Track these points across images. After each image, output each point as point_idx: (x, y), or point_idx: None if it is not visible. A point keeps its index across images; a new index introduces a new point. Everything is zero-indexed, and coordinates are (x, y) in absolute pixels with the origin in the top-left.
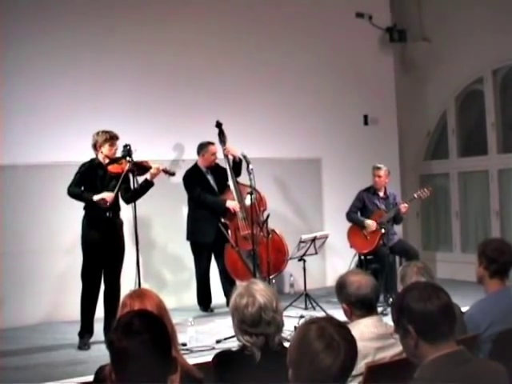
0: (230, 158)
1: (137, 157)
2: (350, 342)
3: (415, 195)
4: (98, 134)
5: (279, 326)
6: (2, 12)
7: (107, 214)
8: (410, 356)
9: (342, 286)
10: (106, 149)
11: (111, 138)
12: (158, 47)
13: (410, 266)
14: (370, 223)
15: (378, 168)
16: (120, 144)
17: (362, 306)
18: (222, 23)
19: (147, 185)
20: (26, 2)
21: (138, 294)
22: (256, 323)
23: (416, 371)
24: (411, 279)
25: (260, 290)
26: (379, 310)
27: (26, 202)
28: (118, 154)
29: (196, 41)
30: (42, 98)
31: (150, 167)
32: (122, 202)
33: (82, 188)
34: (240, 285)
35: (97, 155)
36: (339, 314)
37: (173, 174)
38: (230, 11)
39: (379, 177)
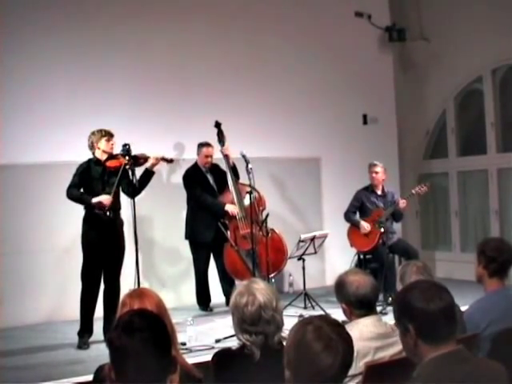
0: (230, 162)
1: (135, 150)
2: (347, 339)
3: (413, 191)
4: (93, 133)
5: (279, 326)
6: (2, 12)
7: (107, 213)
8: (409, 354)
9: (341, 286)
10: (103, 144)
11: (106, 134)
12: (157, 47)
13: (410, 265)
14: (365, 226)
15: (374, 165)
16: (119, 143)
17: (362, 306)
18: (221, 23)
19: (148, 174)
20: (25, 2)
21: (138, 293)
22: (256, 322)
23: (415, 370)
24: (410, 278)
25: (260, 288)
26: (378, 309)
27: (26, 202)
28: (117, 152)
29: (196, 41)
30: (41, 98)
31: (149, 157)
32: (121, 202)
33: (82, 189)
34: (240, 283)
35: (94, 154)
36: (338, 314)
37: (171, 161)
38: (230, 11)
39: (376, 173)
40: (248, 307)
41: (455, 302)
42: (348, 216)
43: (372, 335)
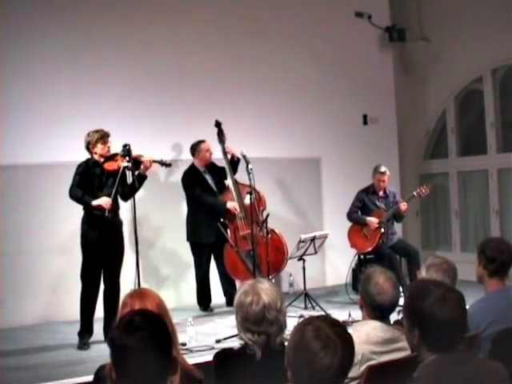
0: (229, 156)
1: (134, 151)
2: (347, 339)
3: (414, 193)
4: (88, 134)
5: (281, 327)
6: (2, 12)
7: (106, 213)
8: (412, 348)
9: (366, 281)
10: (99, 148)
11: (102, 136)
12: (157, 47)
13: (444, 260)
14: (373, 219)
15: (383, 173)
16: (119, 144)
17: (373, 311)
18: (220, 23)
19: (140, 179)
20: (25, 2)
21: (139, 293)
22: (259, 322)
23: (416, 371)
24: (437, 273)
25: (265, 288)
26: None
27: (26, 202)
28: (116, 152)
29: (195, 41)
30: (41, 98)
31: (142, 161)
32: (121, 203)
33: (82, 190)
34: (245, 283)
35: (92, 155)
36: (338, 314)
37: (169, 165)
38: (229, 11)
39: (383, 181)
40: (252, 306)
41: (466, 312)
42: (351, 216)
43: (378, 339)
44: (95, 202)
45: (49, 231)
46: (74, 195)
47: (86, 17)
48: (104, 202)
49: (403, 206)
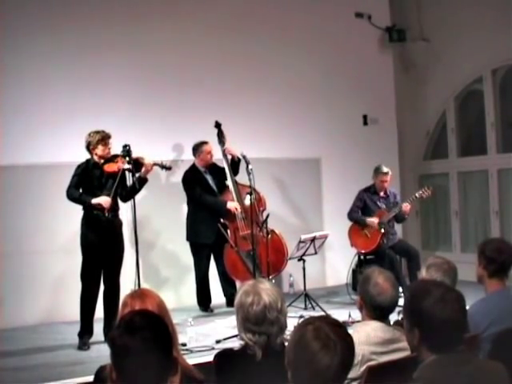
0: (229, 157)
1: (134, 151)
2: (346, 340)
3: (417, 195)
4: (90, 135)
5: (282, 327)
6: (2, 12)
7: (106, 214)
8: (412, 349)
9: (365, 282)
10: (99, 150)
11: (103, 138)
12: (157, 47)
13: (444, 261)
14: (373, 219)
15: (385, 173)
16: (119, 144)
17: (373, 311)
18: (221, 23)
19: (141, 181)
20: (25, 2)
21: (139, 293)
22: (260, 322)
23: (415, 371)
24: (437, 273)
25: (266, 289)
26: None
27: (26, 203)
28: (116, 152)
29: (195, 41)
30: (41, 99)
31: (143, 164)
32: (120, 202)
33: (81, 190)
34: (246, 283)
35: (92, 156)
36: (339, 314)
37: (169, 169)
38: (230, 11)
39: (385, 182)
40: (253, 306)
41: (466, 312)
42: (352, 215)
43: (378, 340)
44: (95, 201)
45: (49, 231)
46: (71, 195)
47: (86, 17)
48: (104, 200)
49: (406, 206)
